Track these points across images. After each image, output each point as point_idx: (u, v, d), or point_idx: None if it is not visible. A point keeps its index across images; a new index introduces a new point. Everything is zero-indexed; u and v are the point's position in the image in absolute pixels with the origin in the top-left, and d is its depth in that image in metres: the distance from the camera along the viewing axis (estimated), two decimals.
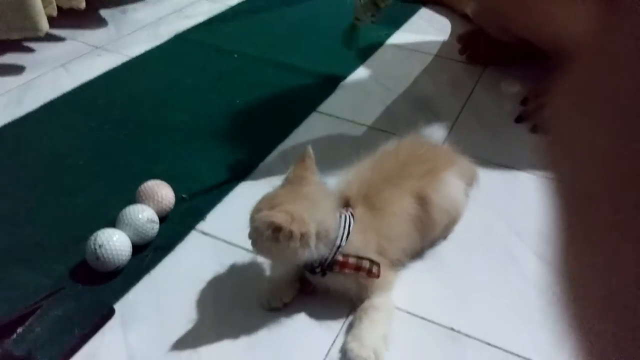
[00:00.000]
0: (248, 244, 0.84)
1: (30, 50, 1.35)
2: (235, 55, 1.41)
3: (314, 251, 0.69)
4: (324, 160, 1.04)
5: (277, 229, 0.66)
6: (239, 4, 1.69)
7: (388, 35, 1.51)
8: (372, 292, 0.75)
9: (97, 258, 0.77)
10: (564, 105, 0.22)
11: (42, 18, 1.21)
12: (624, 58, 0.18)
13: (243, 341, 0.72)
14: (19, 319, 0.70)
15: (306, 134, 1.12)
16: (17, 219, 0.88)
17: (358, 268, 0.73)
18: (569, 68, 0.21)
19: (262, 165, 1.03)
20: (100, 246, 0.76)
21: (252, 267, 0.82)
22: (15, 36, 1.24)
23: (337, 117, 1.18)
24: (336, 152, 1.06)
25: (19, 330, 0.69)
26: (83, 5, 1.39)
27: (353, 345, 0.69)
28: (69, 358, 0.68)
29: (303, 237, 0.67)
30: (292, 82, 1.30)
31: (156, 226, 0.83)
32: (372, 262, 0.74)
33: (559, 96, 0.22)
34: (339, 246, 0.72)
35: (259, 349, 0.71)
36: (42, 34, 1.22)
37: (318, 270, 0.73)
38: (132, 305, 0.75)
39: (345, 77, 1.32)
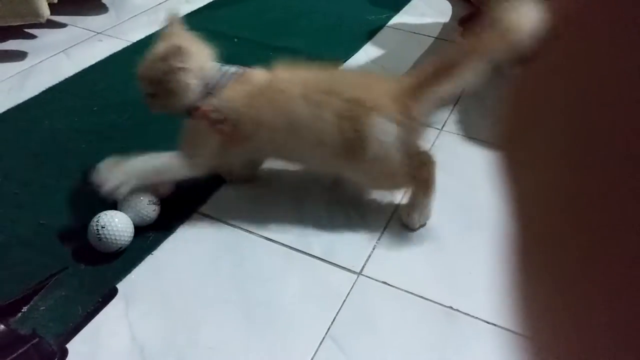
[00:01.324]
0: (249, 225, 0.85)
1: (32, 36, 1.35)
2: (236, 40, 1.41)
3: (193, 84, 0.80)
4: None
5: (171, 50, 0.78)
6: None
7: (388, 18, 1.51)
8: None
9: (99, 239, 0.78)
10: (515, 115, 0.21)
11: (43, 4, 1.21)
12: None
13: (242, 319, 0.73)
14: (23, 298, 0.72)
15: None
16: (21, 201, 0.90)
17: (209, 120, 0.81)
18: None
19: None
20: (102, 227, 0.78)
21: (251, 247, 0.83)
22: (16, 22, 1.24)
23: None
24: None
25: (24, 309, 0.71)
26: None
27: None
28: (73, 336, 0.69)
29: (185, 54, 0.79)
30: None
31: (157, 208, 0.84)
32: (227, 122, 0.80)
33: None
34: (208, 93, 0.81)
35: (258, 327, 0.72)
36: (43, 20, 1.23)
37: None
38: (134, 284, 0.77)
39: (345, 60, 1.32)
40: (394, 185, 0.88)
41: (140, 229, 0.83)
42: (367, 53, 1.35)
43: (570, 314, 0.16)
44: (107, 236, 0.78)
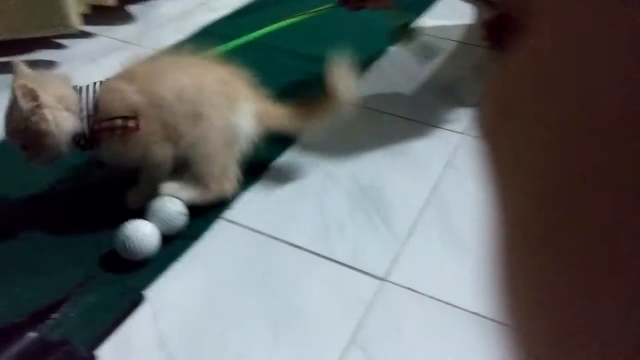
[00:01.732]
0: (273, 231, 0.86)
1: (62, 46, 1.39)
2: (261, 47, 1.42)
3: (62, 117, 0.78)
4: (345, 148, 1.05)
5: (22, 93, 0.75)
6: None
7: (411, 21, 1.50)
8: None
9: (124, 249, 0.79)
10: (495, 107, 0.21)
11: (74, 15, 1.24)
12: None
13: (269, 326, 0.73)
14: (53, 305, 0.73)
15: (331, 123, 1.12)
16: (49, 210, 0.92)
17: (112, 129, 0.80)
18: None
19: (284, 156, 1.04)
20: (127, 237, 0.79)
21: (276, 253, 0.84)
22: (48, 33, 1.27)
23: (361, 105, 1.18)
24: (358, 139, 1.06)
25: (54, 316, 0.72)
26: (112, 2, 1.42)
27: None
28: (102, 342, 0.71)
29: (36, 95, 0.76)
30: (317, 71, 1.30)
31: (185, 218, 0.85)
32: (125, 117, 0.80)
33: (490, 98, 0.21)
34: (89, 115, 0.80)
35: (284, 334, 0.72)
36: (74, 31, 1.26)
37: (85, 145, 0.82)
38: (161, 292, 0.78)
39: (368, 65, 1.31)
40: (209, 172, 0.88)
41: (168, 237, 0.84)
42: (392, 57, 1.35)
43: (556, 305, 0.17)
44: (132, 246, 0.79)
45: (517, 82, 0.20)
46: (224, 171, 0.89)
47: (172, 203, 0.85)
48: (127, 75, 0.85)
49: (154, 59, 0.90)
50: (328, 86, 0.90)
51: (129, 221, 0.81)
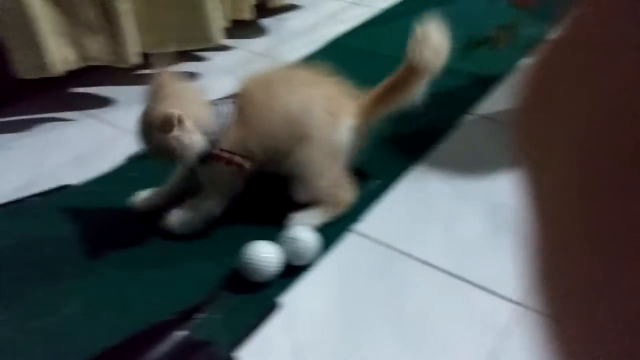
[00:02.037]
0: (403, 246, 0.85)
1: (203, 59, 1.48)
2: (389, 59, 1.42)
3: (195, 140, 0.81)
4: (477, 164, 1.02)
5: (166, 121, 0.78)
6: (391, 7, 1.70)
7: (544, 32, 1.42)
8: None
9: (245, 269, 0.81)
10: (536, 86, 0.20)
11: (218, 30, 1.32)
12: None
13: (398, 343, 0.73)
14: (198, 306, 0.78)
15: (462, 139, 1.10)
16: None
17: (229, 161, 0.83)
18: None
19: (415, 169, 1.03)
20: (248, 259, 0.81)
21: (407, 270, 0.83)
22: (193, 47, 1.37)
23: (494, 120, 1.14)
24: (491, 155, 1.03)
25: (200, 316, 0.77)
26: (250, 16, 1.50)
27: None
28: (241, 346, 0.74)
29: (181, 122, 0.79)
30: (448, 83, 1.28)
31: (315, 249, 0.85)
32: (243, 156, 0.84)
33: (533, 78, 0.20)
34: (215, 139, 0.83)
35: (414, 352, 0.71)
36: (217, 44, 1.34)
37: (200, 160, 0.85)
38: (295, 300, 0.80)
39: (502, 77, 1.27)
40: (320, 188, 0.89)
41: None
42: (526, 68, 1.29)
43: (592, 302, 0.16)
44: (251, 268, 0.81)
45: (557, 61, 0.19)
46: (336, 183, 0.91)
47: (306, 233, 0.85)
48: (244, 107, 0.87)
49: (267, 75, 0.92)
50: (410, 52, 0.90)
51: (252, 242, 0.83)
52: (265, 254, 0.81)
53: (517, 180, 0.21)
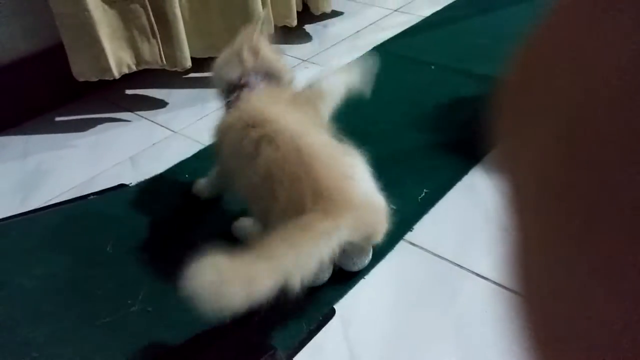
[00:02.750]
0: (455, 257, 0.86)
1: None
2: (433, 67, 1.43)
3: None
4: None
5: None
6: (432, 15, 1.71)
7: None
8: None
9: None
10: (514, 87, 0.20)
11: None
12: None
13: (459, 356, 0.74)
14: (255, 309, 0.80)
15: None
16: None
17: None
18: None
19: (467, 177, 1.03)
20: None
21: (460, 281, 0.84)
22: None
23: None
24: None
25: (256, 319, 0.79)
26: (295, 22, 1.52)
27: None
28: (298, 351, 0.76)
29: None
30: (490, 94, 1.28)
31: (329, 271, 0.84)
32: None
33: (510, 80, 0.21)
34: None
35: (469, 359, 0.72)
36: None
37: None
38: (350, 306, 0.82)
39: None
40: None
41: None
42: None
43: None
44: None
45: (549, 39, 0.19)
46: None
47: None
48: None
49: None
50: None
51: None
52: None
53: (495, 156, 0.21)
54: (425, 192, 1.00)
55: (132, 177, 1.09)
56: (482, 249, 0.89)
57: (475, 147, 1.10)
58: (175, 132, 1.23)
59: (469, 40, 1.54)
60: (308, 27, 1.68)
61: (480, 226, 0.93)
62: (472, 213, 0.96)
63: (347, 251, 0.82)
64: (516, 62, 0.21)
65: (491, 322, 0.78)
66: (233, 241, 0.92)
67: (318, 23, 1.70)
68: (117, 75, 1.18)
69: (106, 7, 1.13)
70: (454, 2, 1.76)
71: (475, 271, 0.85)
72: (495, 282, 0.83)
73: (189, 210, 1.00)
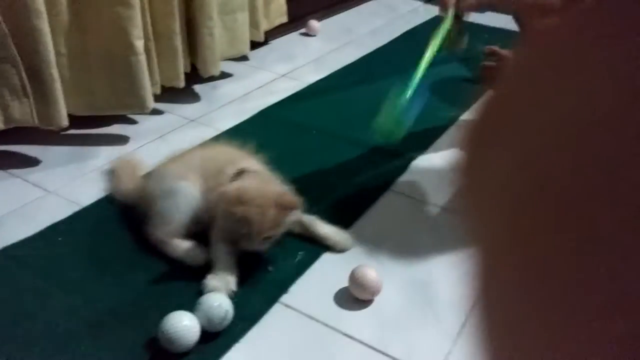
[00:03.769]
0: (329, 319, 0.90)
1: (134, 122, 1.50)
2: (314, 132, 1.51)
3: None
4: (399, 241, 1.10)
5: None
6: (315, 82, 1.80)
7: (456, 116, 1.57)
8: None
9: (160, 340, 0.83)
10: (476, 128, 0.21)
11: (149, 96, 1.35)
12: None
13: None
14: None
15: (380, 213, 1.18)
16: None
17: None
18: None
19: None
20: (168, 330, 0.83)
21: (332, 343, 0.87)
22: (124, 112, 1.39)
23: (411, 197, 1.24)
24: (410, 233, 1.11)
25: None
26: (182, 84, 1.54)
27: None
28: None
29: None
30: (368, 159, 1.38)
31: (229, 313, 0.88)
32: None
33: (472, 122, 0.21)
34: None
35: None
36: (148, 111, 1.37)
37: None
38: None
39: (417, 156, 1.38)
40: None
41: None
42: (437, 150, 1.41)
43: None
44: (166, 340, 0.82)
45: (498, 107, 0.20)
46: None
47: (219, 297, 0.88)
48: None
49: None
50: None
51: (169, 315, 0.84)
52: (184, 324, 0.83)
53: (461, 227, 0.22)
54: (299, 255, 1.05)
55: None
56: (354, 313, 0.93)
57: (347, 212, 1.18)
58: (50, 192, 1.19)
59: (346, 108, 1.65)
60: (197, 87, 1.71)
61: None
62: (345, 277, 1.01)
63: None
64: (470, 133, 0.21)
65: None
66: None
67: (207, 84, 1.74)
68: None
69: None
70: (336, 71, 1.88)
71: (348, 333, 0.89)
72: (364, 344, 0.88)
73: (61, 276, 0.96)
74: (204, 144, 1.16)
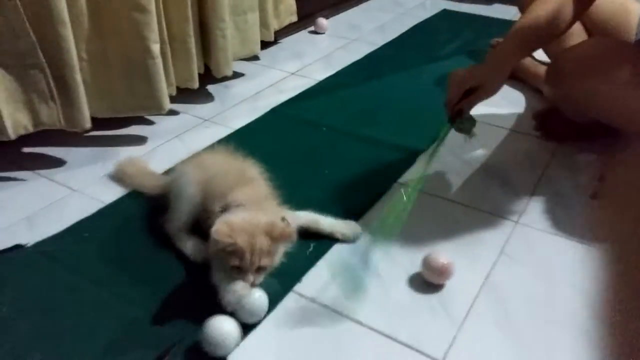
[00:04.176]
0: (340, 307, 0.95)
1: (151, 122, 1.56)
2: (324, 129, 1.56)
3: None
4: (405, 231, 1.15)
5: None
6: (324, 80, 1.85)
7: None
8: None
9: (203, 345, 0.87)
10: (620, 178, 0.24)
11: (165, 98, 1.41)
12: None
13: None
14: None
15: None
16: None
17: None
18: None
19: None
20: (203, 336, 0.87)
21: (345, 330, 0.93)
22: (142, 113, 1.46)
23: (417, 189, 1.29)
24: (416, 223, 1.16)
25: None
26: (196, 85, 1.60)
27: None
28: None
29: None
30: (375, 154, 1.43)
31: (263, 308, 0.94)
32: None
33: (616, 168, 0.25)
34: None
35: None
36: (164, 112, 1.43)
37: None
38: (239, 357, 0.88)
39: (423, 150, 1.42)
40: None
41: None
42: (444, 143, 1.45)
43: None
44: (208, 345, 0.87)
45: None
46: None
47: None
48: None
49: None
50: None
51: (208, 320, 0.88)
52: (225, 330, 0.87)
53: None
54: (310, 246, 1.10)
55: (29, 237, 1.10)
56: (364, 300, 0.99)
57: (356, 205, 1.23)
58: (75, 191, 1.25)
59: (355, 104, 1.70)
60: (210, 87, 1.77)
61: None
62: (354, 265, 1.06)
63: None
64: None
65: None
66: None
67: (220, 84, 1.80)
68: (13, 137, 1.20)
69: (3, 71, 1.16)
70: (345, 68, 1.93)
71: (358, 320, 0.94)
72: (374, 330, 0.93)
73: (90, 271, 1.03)
74: (218, 152, 1.20)
